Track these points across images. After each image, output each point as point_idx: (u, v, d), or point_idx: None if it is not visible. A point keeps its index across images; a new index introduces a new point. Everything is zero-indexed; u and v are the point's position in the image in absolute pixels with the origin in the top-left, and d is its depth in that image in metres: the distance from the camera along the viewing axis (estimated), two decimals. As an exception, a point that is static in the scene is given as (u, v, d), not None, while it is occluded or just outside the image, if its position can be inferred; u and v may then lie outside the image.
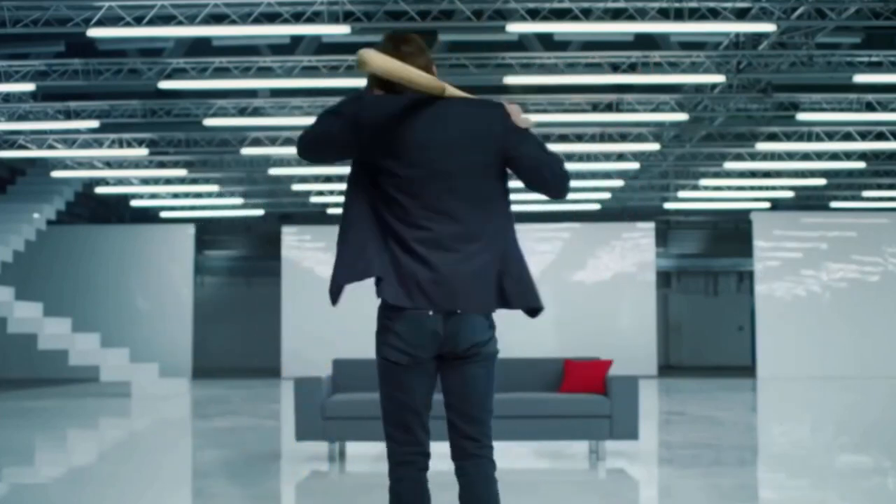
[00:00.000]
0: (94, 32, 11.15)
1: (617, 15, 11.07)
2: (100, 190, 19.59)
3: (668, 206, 22.82)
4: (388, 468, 3.05)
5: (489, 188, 2.97)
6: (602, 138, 16.21)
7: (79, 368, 15.99)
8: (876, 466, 7.43)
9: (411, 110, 2.92)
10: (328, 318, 20.44)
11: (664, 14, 10.87)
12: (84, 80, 13.03)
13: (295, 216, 23.32)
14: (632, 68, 12.91)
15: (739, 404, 13.71)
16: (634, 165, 17.66)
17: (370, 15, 11.13)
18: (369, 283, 2.94)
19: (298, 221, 22.53)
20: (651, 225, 21.49)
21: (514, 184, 3.11)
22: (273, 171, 18.14)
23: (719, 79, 12.87)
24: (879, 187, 20.52)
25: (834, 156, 17.26)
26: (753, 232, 20.29)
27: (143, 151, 16.45)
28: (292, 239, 21.39)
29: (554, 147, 16.24)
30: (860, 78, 12.77)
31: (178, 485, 6.84)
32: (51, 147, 16.44)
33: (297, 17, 11.19)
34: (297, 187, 19.53)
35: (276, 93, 14.72)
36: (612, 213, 22.99)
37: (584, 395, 7.18)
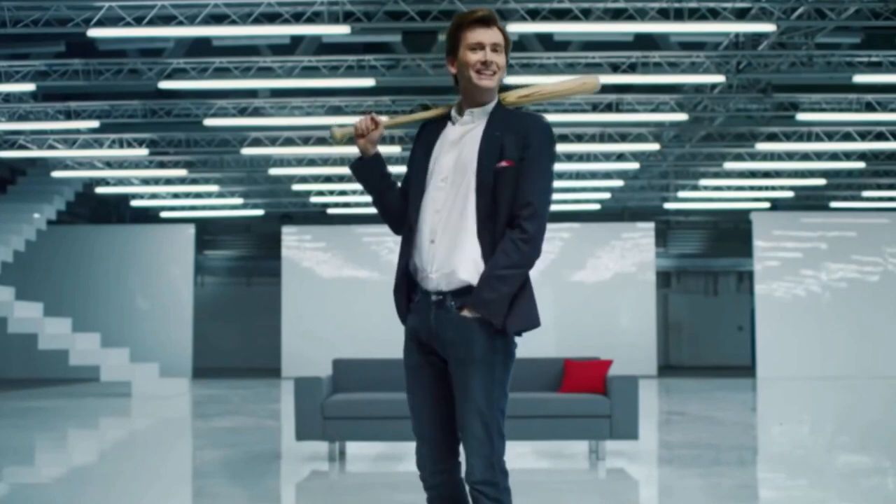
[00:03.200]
0: (94, 32, 11.15)
1: (617, 15, 11.07)
2: (100, 190, 19.60)
3: (668, 206, 22.81)
4: (496, 473, 3.09)
5: None
6: (602, 138, 16.21)
7: (79, 368, 16.00)
8: (876, 466, 7.43)
9: None
10: (328, 318, 20.52)
11: (664, 14, 10.88)
12: (84, 80, 13.03)
13: (295, 216, 23.34)
14: (632, 68, 12.91)
15: (739, 404, 13.70)
16: (634, 165, 17.66)
17: (370, 15, 11.13)
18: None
19: (298, 221, 22.54)
20: (651, 225, 21.48)
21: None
22: (273, 171, 18.13)
23: (719, 79, 12.87)
24: (879, 187, 20.53)
25: (834, 156, 17.27)
26: (753, 232, 20.28)
27: (143, 151, 16.45)
28: (292, 239, 21.39)
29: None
30: (860, 78, 12.77)
31: (179, 485, 6.84)
32: (51, 147, 16.44)
33: (297, 18, 11.20)
34: (297, 187, 19.53)
35: (276, 93, 14.73)
36: (612, 213, 22.99)
37: (584, 395, 7.18)
